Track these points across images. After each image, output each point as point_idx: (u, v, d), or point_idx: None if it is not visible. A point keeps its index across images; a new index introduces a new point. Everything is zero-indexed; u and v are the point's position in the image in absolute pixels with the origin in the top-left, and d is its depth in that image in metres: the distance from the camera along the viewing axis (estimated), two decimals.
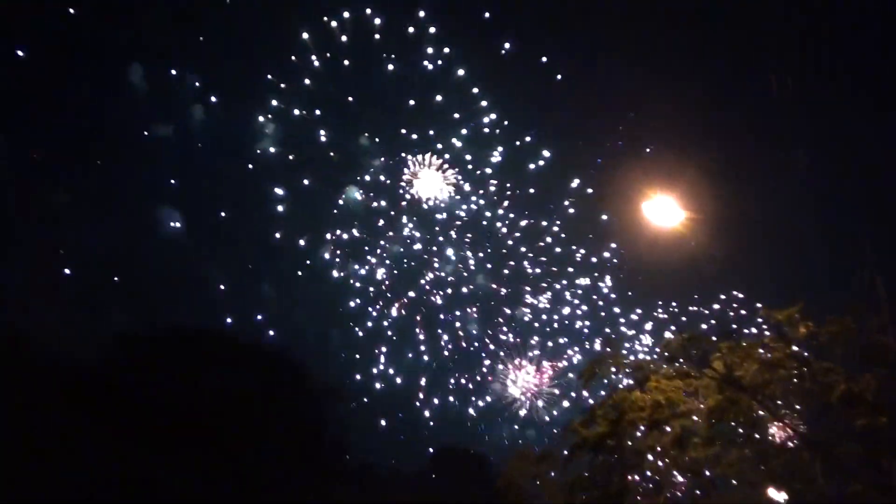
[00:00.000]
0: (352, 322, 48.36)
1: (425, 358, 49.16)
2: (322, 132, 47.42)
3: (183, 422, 35.54)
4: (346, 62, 47.25)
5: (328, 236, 47.88)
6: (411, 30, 47.02)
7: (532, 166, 48.22)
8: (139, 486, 33.28)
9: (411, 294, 49.15)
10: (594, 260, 49.28)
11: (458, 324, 49.64)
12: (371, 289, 48.24)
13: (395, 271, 48.99)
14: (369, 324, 48.28)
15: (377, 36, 46.57)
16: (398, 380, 48.34)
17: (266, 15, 47.31)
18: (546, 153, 48.04)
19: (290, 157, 47.29)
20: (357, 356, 48.42)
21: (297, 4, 48.02)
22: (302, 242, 47.73)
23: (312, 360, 44.66)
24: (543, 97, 49.80)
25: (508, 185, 48.90)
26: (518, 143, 48.47)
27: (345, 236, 48.14)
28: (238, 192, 49.25)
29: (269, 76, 46.71)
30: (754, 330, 17.15)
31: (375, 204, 48.53)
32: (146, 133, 45.16)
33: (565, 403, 46.81)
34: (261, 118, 46.57)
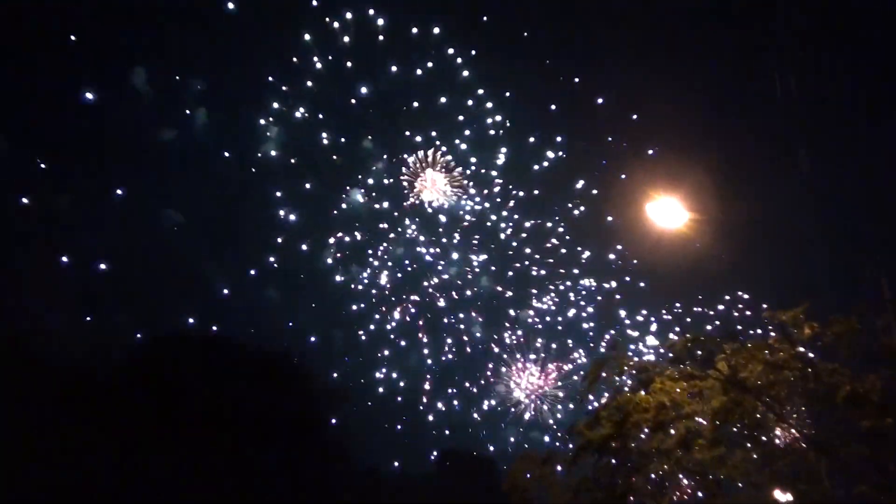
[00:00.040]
0: (355, 325, 48.20)
1: (429, 361, 49.00)
2: (324, 135, 47.21)
3: (188, 424, 35.55)
4: (349, 63, 47.00)
5: (331, 240, 47.65)
6: (415, 30, 46.73)
7: (536, 167, 48.09)
8: (143, 488, 33.31)
9: (415, 297, 48.97)
10: (599, 262, 49.19)
11: (462, 326, 49.47)
12: (374, 291, 48.09)
13: (399, 274, 48.80)
14: (373, 327, 48.10)
15: (380, 37, 46.25)
16: (402, 383, 48.18)
17: (267, 15, 46.97)
18: (550, 154, 47.88)
19: (293, 161, 46.90)
20: (361, 359, 48.27)
21: (299, 5, 47.62)
22: (305, 246, 47.48)
23: (316, 363, 44.69)
24: (548, 99, 49.72)
25: (513, 186, 48.73)
26: (522, 144, 48.34)
27: (346, 239, 47.86)
28: (240, 195, 49.06)
29: (271, 78, 46.38)
30: (759, 331, 17.05)
31: (378, 206, 48.18)
32: (149, 136, 44.95)
33: (570, 406, 46.66)
34: (262, 121, 46.31)
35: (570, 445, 18.28)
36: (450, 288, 49.47)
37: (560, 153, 47.95)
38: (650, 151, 43.77)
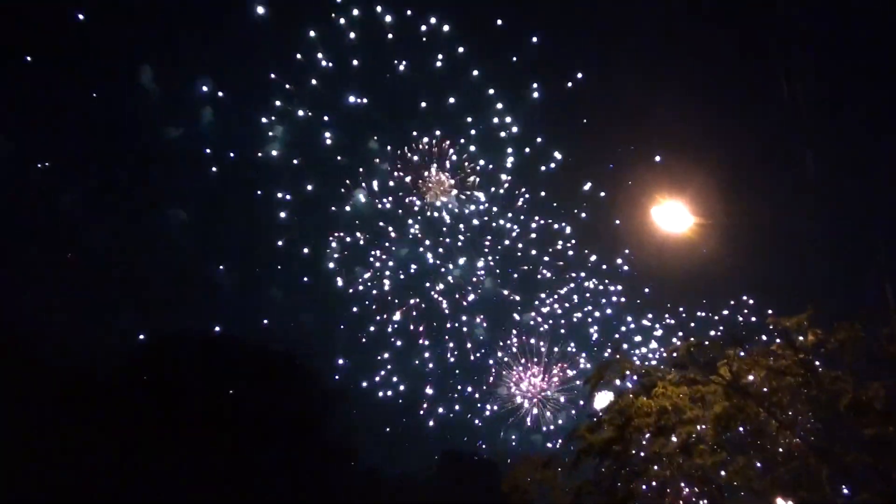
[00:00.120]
0: (357, 327, 47.82)
1: (430, 365, 48.70)
2: (329, 134, 46.48)
3: (188, 424, 35.57)
4: (355, 62, 46.00)
5: (334, 243, 47.15)
6: (423, 28, 45.70)
7: (543, 168, 47.76)
8: (143, 488, 33.36)
9: (417, 300, 48.63)
10: (604, 265, 49.02)
11: (465, 329, 49.21)
12: (376, 293, 47.70)
13: (402, 276, 48.45)
14: (375, 329, 47.69)
15: (388, 35, 45.31)
16: (403, 385, 47.87)
17: (271, 11, 46.28)
18: (558, 155, 47.50)
19: (296, 161, 46.09)
20: (362, 361, 47.90)
21: (304, 0, 47.18)
22: (308, 248, 47.04)
23: (318, 365, 44.49)
24: (556, 102, 49.54)
25: (519, 188, 48.41)
26: (530, 147, 47.94)
27: (348, 239, 47.29)
28: (243, 194, 48.77)
29: (274, 76, 45.05)
30: (765, 337, 16.98)
31: (382, 206, 47.64)
32: (152, 135, 44.64)
33: (573, 411, 46.47)
34: (264, 120, 45.36)
35: (572, 448, 18.25)
36: (453, 290, 49.25)
37: (567, 156, 47.60)
38: (657, 158, 43.59)
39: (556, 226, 48.79)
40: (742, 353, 15.94)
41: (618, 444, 16.47)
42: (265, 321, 46.42)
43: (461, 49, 46.00)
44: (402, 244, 48.17)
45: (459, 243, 48.90)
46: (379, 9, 44.67)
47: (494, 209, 48.63)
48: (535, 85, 48.54)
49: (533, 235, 49.06)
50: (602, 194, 47.54)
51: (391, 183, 47.15)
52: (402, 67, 46.30)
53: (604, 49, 51.22)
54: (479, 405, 48.72)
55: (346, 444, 43.30)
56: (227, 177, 47.08)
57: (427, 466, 47.19)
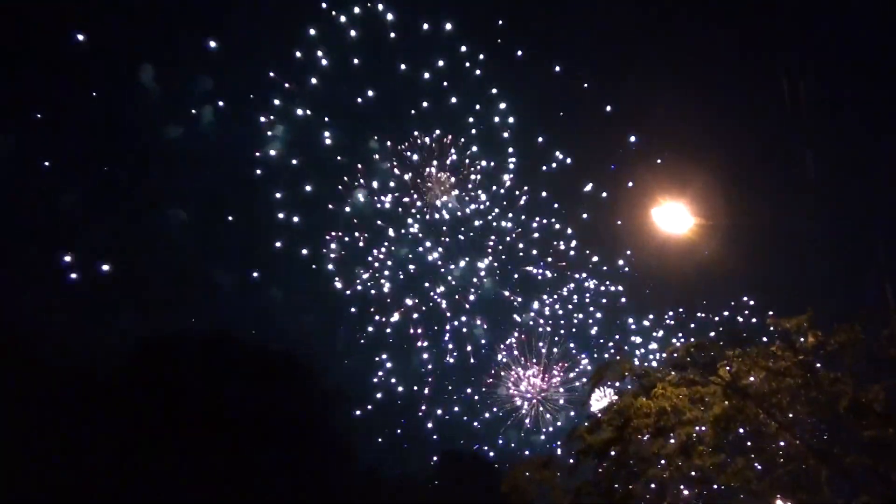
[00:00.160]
0: (356, 328, 47.52)
1: (429, 367, 48.54)
2: (329, 134, 45.70)
3: (188, 424, 35.55)
4: (356, 60, 45.05)
5: (333, 244, 46.82)
6: (425, 27, 44.74)
7: (544, 168, 47.56)
8: (143, 488, 33.34)
9: (416, 300, 48.43)
10: (605, 266, 48.91)
11: (464, 330, 49.09)
12: (375, 294, 47.46)
13: (402, 276, 48.22)
14: (373, 330, 47.43)
15: (389, 33, 44.42)
16: (403, 385, 47.67)
17: (270, 9, 45.50)
18: (559, 155, 47.26)
19: (294, 162, 45.10)
20: (361, 361, 47.65)
21: None
22: (307, 248, 46.70)
23: (317, 364, 44.33)
24: (558, 101, 49.35)
25: (521, 188, 48.25)
26: (531, 147, 47.71)
27: (346, 239, 46.89)
28: (242, 194, 48.46)
29: (272, 74, 44.11)
30: (766, 339, 16.96)
31: (381, 206, 47.31)
32: (150, 135, 44.27)
33: (571, 413, 46.34)
34: (262, 119, 44.55)
35: (571, 452, 18.24)
36: (453, 290, 49.13)
37: (568, 157, 47.41)
38: (658, 160, 43.48)
39: (557, 226, 48.71)
40: (740, 354, 15.90)
41: (617, 444, 16.48)
42: (265, 321, 46.28)
43: (463, 48, 45.71)
44: (401, 244, 47.99)
45: (460, 243, 48.79)
46: (381, 7, 44.16)
47: (495, 209, 48.54)
48: (535, 84, 48.47)
49: (534, 235, 49.00)
50: (604, 195, 47.39)
51: (392, 183, 47.00)
52: (403, 66, 46.05)
53: (604, 49, 51.09)
54: (478, 406, 48.61)
55: (346, 444, 43.24)
56: (226, 176, 46.97)
57: (427, 467, 47.17)
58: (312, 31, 43.88)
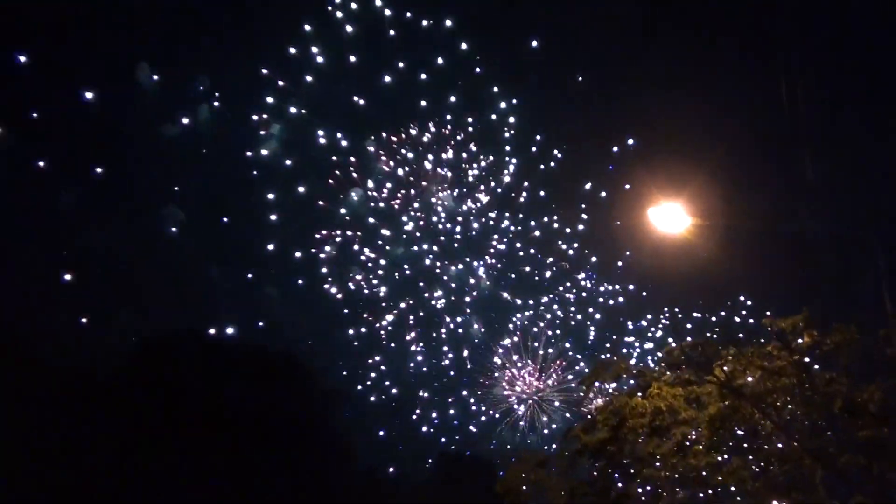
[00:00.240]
0: (351, 329, 47.25)
1: (424, 368, 48.36)
2: (324, 134, 45.00)
3: (188, 424, 35.51)
4: (353, 58, 44.28)
5: (328, 247, 46.34)
6: (424, 23, 44.10)
7: (542, 167, 47.42)
8: (143, 488, 33.33)
9: (413, 301, 48.12)
10: (603, 267, 48.85)
11: (460, 330, 48.91)
12: (370, 294, 47.21)
13: (397, 276, 47.87)
14: (369, 331, 47.15)
15: (387, 29, 43.63)
16: (399, 386, 47.45)
17: (263, 3, 45.05)
18: (558, 154, 47.11)
19: (288, 162, 44.44)
20: (357, 362, 47.41)
21: None
22: (303, 248, 46.24)
23: (314, 365, 44.19)
24: (557, 100, 49.31)
25: (519, 188, 48.07)
26: (530, 146, 47.50)
27: (338, 239, 46.47)
28: (238, 194, 48.17)
29: (265, 71, 42.93)
30: (763, 339, 16.95)
31: (377, 205, 46.87)
32: (149, 134, 43.90)
33: (567, 415, 46.25)
34: (255, 117, 43.59)
35: (567, 453, 18.25)
36: (449, 291, 48.91)
37: (568, 156, 47.23)
38: (656, 157, 43.44)
39: (555, 225, 48.61)
40: (736, 354, 15.89)
41: (612, 444, 16.48)
42: (264, 321, 46.10)
43: (463, 46, 45.09)
44: (397, 244, 47.70)
45: (456, 244, 48.62)
46: (378, 2, 43.53)
47: (493, 209, 48.42)
48: (535, 84, 48.30)
49: (533, 235, 48.93)
50: (602, 194, 47.32)
51: (388, 184, 46.67)
52: (401, 64, 45.57)
53: (603, 49, 51.09)
54: (474, 407, 48.50)
55: (346, 444, 43.17)
56: (222, 176, 46.54)
57: (424, 467, 47.12)
58: (307, 27, 43.08)
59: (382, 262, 46.91)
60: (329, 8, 42.86)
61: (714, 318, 41.74)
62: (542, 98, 50.18)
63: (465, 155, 46.88)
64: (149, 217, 45.16)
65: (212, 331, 42.00)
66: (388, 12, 43.58)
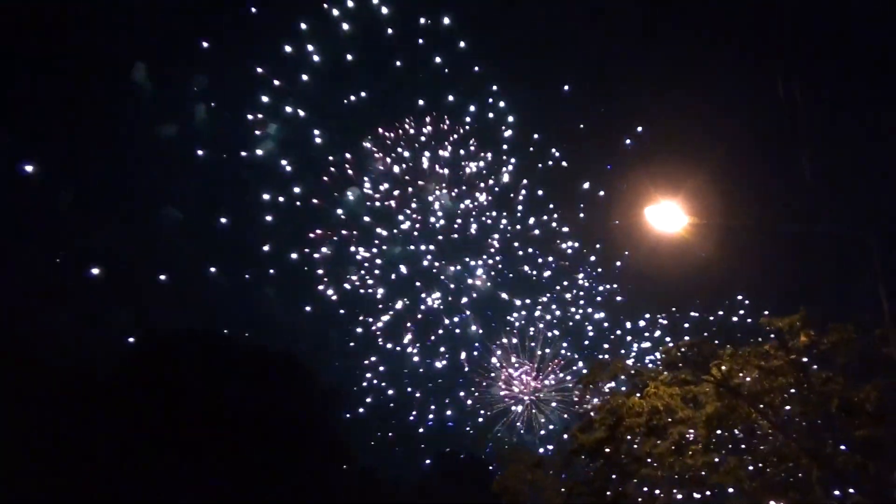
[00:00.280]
0: (349, 328, 47.04)
1: (421, 370, 48.22)
2: (320, 133, 44.57)
3: (187, 424, 35.45)
4: (350, 56, 43.73)
5: (324, 247, 46.07)
6: (422, 21, 43.54)
7: (540, 166, 47.27)
8: (142, 488, 33.28)
9: (409, 301, 47.93)
10: (601, 266, 48.81)
11: (457, 330, 48.76)
12: (367, 294, 47.09)
13: (393, 276, 47.65)
14: (365, 332, 47.01)
15: (384, 27, 43.15)
16: (396, 386, 47.30)
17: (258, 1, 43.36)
18: (556, 153, 46.97)
19: (284, 162, 44.08)
20: (354, 362, 47.21)
21: None
22: (297, 249, 45.97)
23: (312, 365, 44.08)
24: (556, 100, 49.19)
25: (517, 187, 47.95)
26: (528, 146, 47.31)
27: (335, 238, 46.23)
28: (233, 194, 47.91)
29: (261, 70, 42.18)
30: (760, 339, 16.94)
31: (374, 205, 46.60)
32: (147, 134, 43.62)
33: (565, 416, 46.16)
34: (250, 116, 42.97)
35: (564, 453, 18.23)
36: (446, 290, 48.74)
37: (566, 156, 47.07)
38: (654, 156, 43.42)
39: (553, 224, 48.54)
40: (732, 353, 15.86)
41: (609, 444, 16.45)
42: (262, 321, 46.01)
43: (462, 44, 44.52)
44: (394, 243, 47.50)
45: (454, 243, 48.48)
46: (375, 0, 42.98)
47: (491, 208, 48.30)
48: (534, 83, 48.21)
49: (530, 234, 48.87)
50: (601, 193, 47.20)
51: (385, 183, 46.44)
52: (398, 62, 45.25)
53: (601, 49, 51.14)
54: (471, 407, 48.40)
55: (344, 444, 43.11)
56: (218, 176, 46.24)
57: (421, 468, 47.08)
58: (304, 25, 42.53)
59: (379, 261, 46.80)
60: (325, 6, 42.30)
61: (712, 318, 41.80)
62: (541, 97, 50.05)
63: (462, 151, 46.76)
64: (147, 217, 45.03)
65: (211, 330, 41.92)
66: (385, 10, 43.21)
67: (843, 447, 14.94)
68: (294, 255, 45.58)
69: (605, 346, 47.00)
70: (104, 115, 41.55)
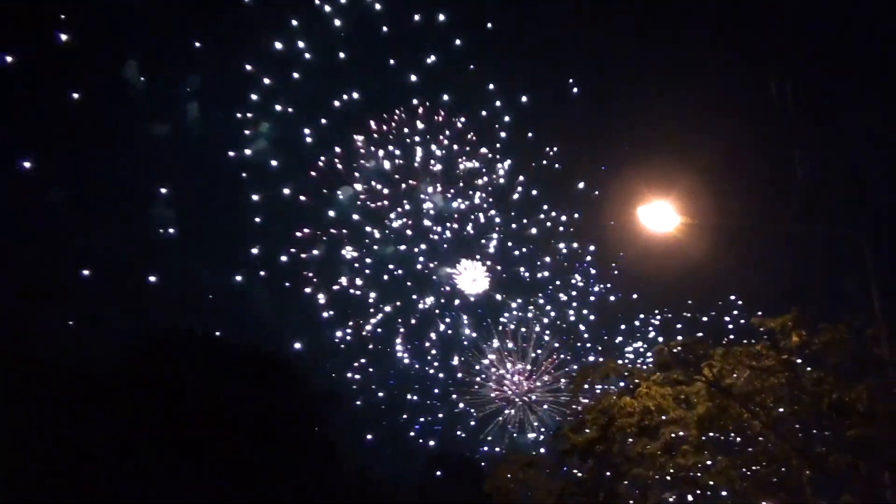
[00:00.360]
0: (342, 329, 46.96)
1: (412, 371, 48.17)
2: (311, 133, 44.35)
3: (187, 424, 35.39)
4: (342, 54, 43.46)
5: (315, 250, 45.92)
6: (417, 17, 43.37)
7: (534, 164, 47.27)
8: (142, 488, 33.21)
9: (399, 303, 47.81)
10: (595, 266, 48.91)
11: (450, 332, 48.73)
12: (359, 294, 46.94)
13: (386, 277, 47.52)
14: (358, 333, 46.93)
15: (378, 23, 43.00)
16: (380, 393, 47.24)
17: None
18: (551, 153, 47.01)
19: (274, 162, 43.93)
20: (347, 363, 47.17)
21: None
22: (286, 250, 45.75)
23: (305, 366, 44.02)
24: (550, 99, 49.25)
25: (511, 186, 47.97)
26: (522, 145, 47.34)
27: (324, 238, 46.03)
28: (226, 194, 47.74)
29: (250, 67, 41.90)
30: (753, 340, 16.94)
31: (367, 204, 46.46)
32: (143, 133, 43.49)
33: (557, 417, 46.17)
34: (238, 115, 42.82)
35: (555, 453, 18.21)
36: (439, 291, 48.66)
37: (561, 155, 47.06)
38: (647, 157, 43.47)
39: (548, 224, 48.59)
40: (724, 353, 15.84)
41: (601, 444, 16.43)
42: (258, 322, 45.87)
43: (457, 42, 44.46)
44: (386, 243, 47.36)
45: (446, 244, 48.41)
46: None
47: (485, 207, 48.31)
48: (529, 82, 48.24)
49: (524, 234, 48.90)
50: (595, 193, 47.29)
51: (377, 182, 46.32)
52: (392, 60, 45.03)
53: (596, 48, 51.16)
54: (463, 408, 48.37)
55: (336, 444, 43.09)
56: (209, 176, 46.00)
57: (414, 469, 47.04)
58: (295, 22, 42.38)
59: (369, 261, 46.65)
60: (317, 2, 42.10)
61: (704, 318, 41.92)
62: (537, 97, 50.09)
63: (456, 147, 46.70)
64: (141, 217, 44.82)
65: (209, 331, 41.78)
66: (378, 6, 42.98)
67: (834, 447, 14.93)
68: (283, 257, 45.39)
69: (599, 347, 47.13)
70: (95, 114, 41.27)
